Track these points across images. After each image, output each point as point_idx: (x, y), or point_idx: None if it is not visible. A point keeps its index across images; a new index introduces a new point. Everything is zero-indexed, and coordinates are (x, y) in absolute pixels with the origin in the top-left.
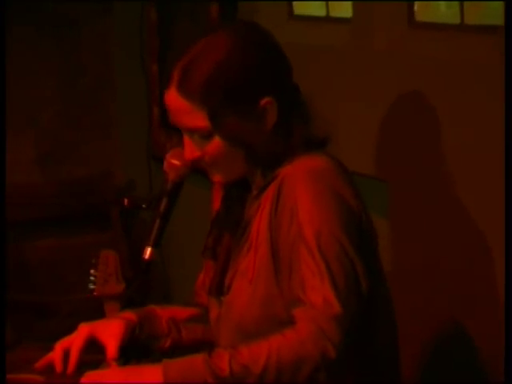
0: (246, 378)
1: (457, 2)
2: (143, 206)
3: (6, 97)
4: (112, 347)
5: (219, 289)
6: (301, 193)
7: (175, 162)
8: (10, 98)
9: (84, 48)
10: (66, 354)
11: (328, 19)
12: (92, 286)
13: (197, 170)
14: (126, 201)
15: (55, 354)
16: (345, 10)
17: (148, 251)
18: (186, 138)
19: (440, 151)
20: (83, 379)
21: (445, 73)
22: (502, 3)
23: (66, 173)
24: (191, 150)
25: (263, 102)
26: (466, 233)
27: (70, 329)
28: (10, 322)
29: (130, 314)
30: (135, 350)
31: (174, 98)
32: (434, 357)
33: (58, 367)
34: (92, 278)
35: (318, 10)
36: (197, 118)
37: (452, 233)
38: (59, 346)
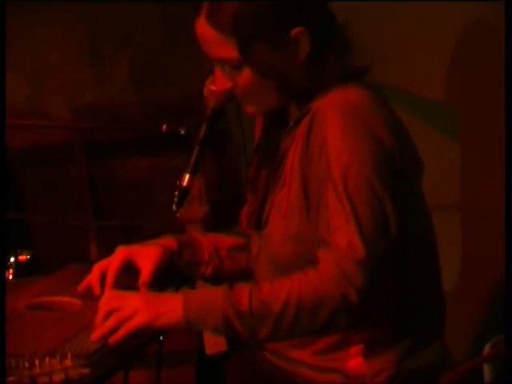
0: (265, 316)
1: None
2: (182, 132)
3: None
4: (146, 272)
5: (258, 222)
6: (331, 127)
7: (214, 88)
8: (106, 15)
9: None
10: (104, 277)
11: None
12: (175, 208)
13: None
14: (164, 127)
15: (93, 277)
16: None
17: (186, 177)
18: (217, 69)
19: None
20: (101, 302)
21: None
22: None
23: (160, 93)
24: (222, 80)
25: (295, 31)
26: None
27: None
28: (95, 240)
29: (170, 240)
30: (174, 277)
31: (204, 28)
32: None
33: (96, 290)
34: (176, 199)
35: None
36: (227, 49)
37: None
38: (96, 268)
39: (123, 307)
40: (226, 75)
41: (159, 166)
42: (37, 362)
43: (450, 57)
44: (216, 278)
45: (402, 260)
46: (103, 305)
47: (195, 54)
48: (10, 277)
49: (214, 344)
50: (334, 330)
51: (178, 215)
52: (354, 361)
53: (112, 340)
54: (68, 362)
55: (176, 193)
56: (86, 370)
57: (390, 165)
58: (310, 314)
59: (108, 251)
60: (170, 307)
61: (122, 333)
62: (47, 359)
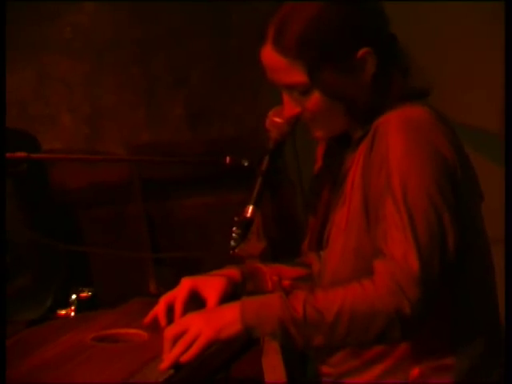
0: (319, 324)
1: None
2: (245, 163)
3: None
4: (212, 300)
5: (319, 243)
6: (393, 140)
7: (277, 119)
8: (160, 58)
9: (233, 8)
10: (170, 308)
11: None
12: (233, 244)
13: None
14: (228, 159)
15: (159, 309)
16: None
17: (250, 209)
18: (286, 95)
19: None
20: (166, 331)
21: None
22: None
23: (215, 132)
24: (291, 106)
25: (361, 53)
26: None
27: None
28: (154, 276)
29: (234, 271)
30: None
31: (270, 55)
32: None
33: (162, 322)
34: (234, 235)
35: None
36: (294, 74)
37: None
38: (163, 301)
39: (187, 330)
40: (294, 101)
41: (215, 205)
42: None
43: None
44: None
45: (460, 277)
46: (168, 333)
47: (249, 92)
48: (72, 314)
49: (274, 375)
50: (388, 341)
51: (236, 251)
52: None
53: (183, 359)
54: None
55: (234, 228)
56: None
57: (451, 180)
58: (363, 324)
59: (167, 287)
60: (230, 318)
61: (193, 351)
62: None
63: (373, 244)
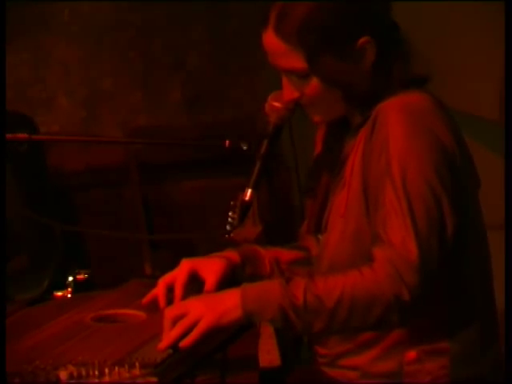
0: (319, 311)
1: None
2: (244, 147)
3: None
4: (210, 281)
5: (317, 227)
6: (393, 126)
7: (276, 104)
8: (158, 42)
9: None
10: (169, 290)
11: None
12: (229, 228)
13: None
14: (227, 142)
15: (158, 290)
16: None
17: (248, 192)
18: (285, 79)
19: None
20: (166, 311)
21: None
22: None
23: (212, 116)
24: (290, 90)
25: (361, 41)
26: None
27: None
28: (150, 259)
29: (233, 253)
30: None
31: (271, 39)
32: None
33: (162, 303)
34: (230, 219)
35: None
36: (294, 60)
37: None
38: (162, 282)
39: (188, 313)
40: (294, 85)
41: (212, 188)
42: (106, 371)
43: (504, 75)
44: None
45: (457, 263)
46: (168, 313)
47: (247, 76)
48: (69, 295)
49: (268, 358)
50: (386, 327)
51: (231, 235)
52: (409, 367)
53: (183, 344)
54: (136, 371)
55: (230, 213)
56: (153, 379)
57: (450, 167)
58: (362, 310)
59: (162, 270)
60: (230, 304)
61: (193, 337)
62: (116, 368)
63: (371, 229)
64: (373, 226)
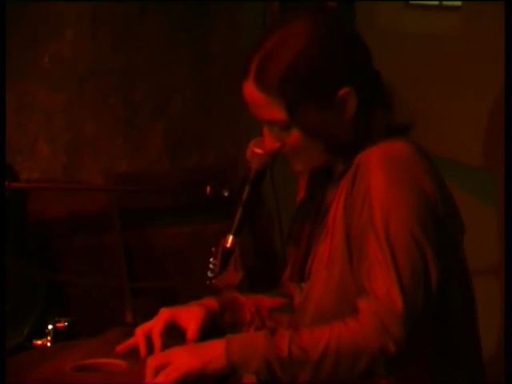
0: (304, 363)
1: None
2: (225, 193)
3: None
4: (192, 329)
5: (301, 275)
6: (375, 177)
7: (258, 150)
8: (140, 87)
9: (214, 37)
10: (148, 339)
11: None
12: (211, 274)
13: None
14: (208, 189)
15: (138, 338)
16: None
17: (229, 239)
18: (266, 130)
19: None
20: (150, 360)
21: None
22: None
23: (195, 161)
24: (271, 141)
25: (341, 92)
26: None
27: None
28: (131, 306)
29: (211, 301)
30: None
31: (251, 91)
32: None
33: (143, 351)
34: (211, 266)
35: None
36: (275, 111)
37: None
38: (140, 331)
39: (171, 362)
40: (275, 136)
41: (194, 234)
42: None
43: (487, 121)
44: None
45: (442, 312)
46: (150, 362)
47: (229, 120)
48: (48, 344)
49: None
50: (372, 378)
51: (213, 281)
52: None
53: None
54: None
55: (211, 259)
56: None
57: (432, 217)
58: (348, 363)
59: (144, 318)
60: (215, 353)
61: (173, 376)
62: None
63: (356, 281)
64: (357, 277)
